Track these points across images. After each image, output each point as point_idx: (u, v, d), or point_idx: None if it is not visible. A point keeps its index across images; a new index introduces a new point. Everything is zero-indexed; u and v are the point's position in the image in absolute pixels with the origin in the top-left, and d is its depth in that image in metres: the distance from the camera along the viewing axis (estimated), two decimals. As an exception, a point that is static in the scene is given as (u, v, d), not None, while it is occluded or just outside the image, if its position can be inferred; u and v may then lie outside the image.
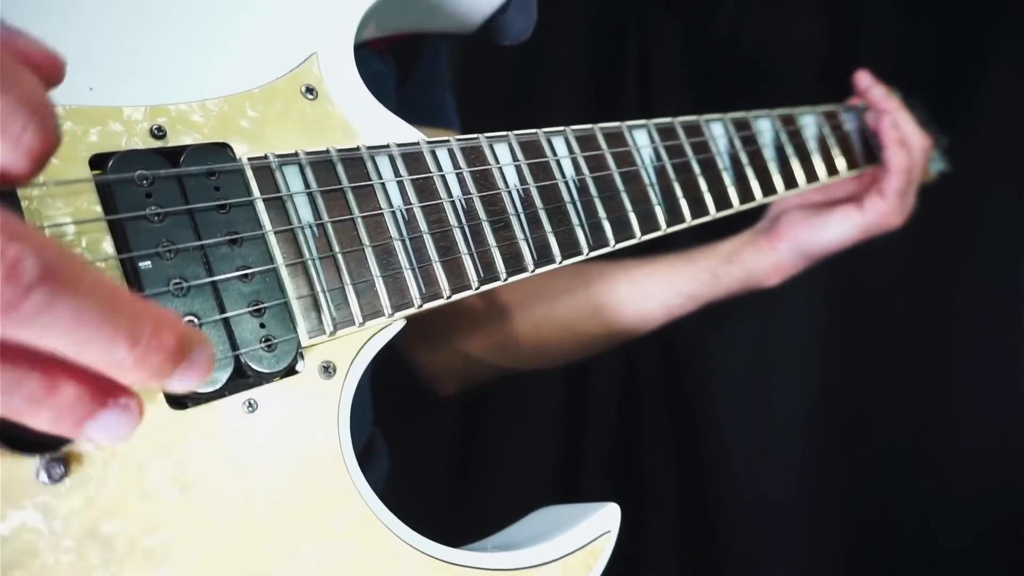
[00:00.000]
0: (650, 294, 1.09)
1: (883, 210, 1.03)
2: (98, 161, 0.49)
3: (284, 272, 0.54)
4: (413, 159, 0.62)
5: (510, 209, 0.66)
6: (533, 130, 0.69)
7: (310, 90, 0.60)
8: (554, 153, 0.70)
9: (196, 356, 0.37)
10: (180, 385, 0.37)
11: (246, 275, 0.52)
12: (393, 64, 0.82)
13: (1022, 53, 1.64)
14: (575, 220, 0.69)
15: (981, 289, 1.72)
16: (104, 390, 0.36)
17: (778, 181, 0.90)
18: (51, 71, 0.38)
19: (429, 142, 0.63)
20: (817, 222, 1.05)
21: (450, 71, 0.97)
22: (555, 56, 1.69)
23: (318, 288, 0.55)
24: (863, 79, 1.10)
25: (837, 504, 1.77)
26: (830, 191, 1.08)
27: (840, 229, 1.04)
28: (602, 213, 0.71)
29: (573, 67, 1.72)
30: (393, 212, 0.59)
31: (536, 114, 1.69)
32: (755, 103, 0.93)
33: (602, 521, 0.67)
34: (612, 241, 0.71)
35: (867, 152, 1.06)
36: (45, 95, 0.35)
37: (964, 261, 1.72)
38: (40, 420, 0.35)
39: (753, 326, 1.75)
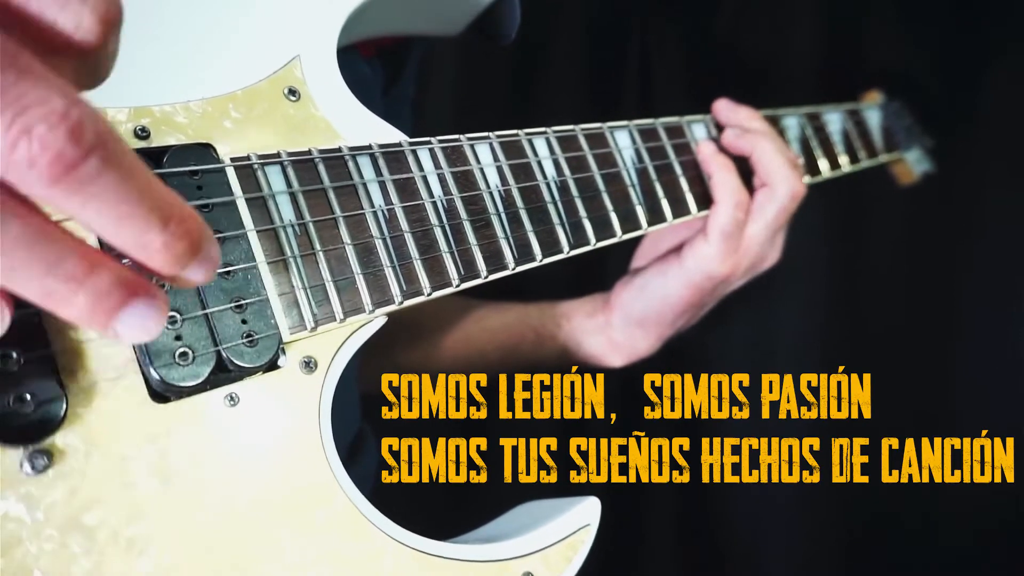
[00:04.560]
0: (470, 338, 1.00)
1: (704, 254, 0.83)
2: (83, 161, 0.51)
3: (266, 269, 0.55)
4: (395, 159, 0.63)
5: (491, 209, 0.67)
6: (515, 131, 0.71)
7: (293, 92, 0.61)
8: (535, 154, 0.71)
9: (210, 249, 0.38)
10: (196, 274, 0.38)
11: (228, 272, 0.54)
12: (380, 68, 0.83)
13: (1022, 54, 1.65)
14: (555, 219, 0.70)
15: (981, 289, 1.73)
16: (134, 283, 0.35)
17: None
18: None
19: (411, 143, 0.65)
20: (639, 282, 0.90)
21: (414, 85, 0.94)
22: (555, 57, 1.70)
23: (299, 285, 0.56)
24: (720, 110, 0.90)
25: (837, 504, 1.78)
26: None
27: (659, 284, 0.87)
28: (583, 212, 0.72)
29: (573, 68, 1.73)
30: (375, 212, 0.61)
31: (535, 115, 1.70)
32: (755, 104, 0.95)
33: (582, 514, 0.68)
34: (593, 240, 0.73)
35: (851, 152, 1.07)
36: None
37: (964, 261, 1.73)
38: (75, 306, 0.34)
39: (752, 326, 1.76)
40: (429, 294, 0.62)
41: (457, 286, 0.64)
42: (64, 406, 0.46)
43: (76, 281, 0.34)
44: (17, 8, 0.34)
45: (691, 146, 0.84)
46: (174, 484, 0.50)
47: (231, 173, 0.55)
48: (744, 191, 0.84)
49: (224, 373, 0.53)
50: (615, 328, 0.93)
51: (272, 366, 0.55)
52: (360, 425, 0.86)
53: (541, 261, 0.69)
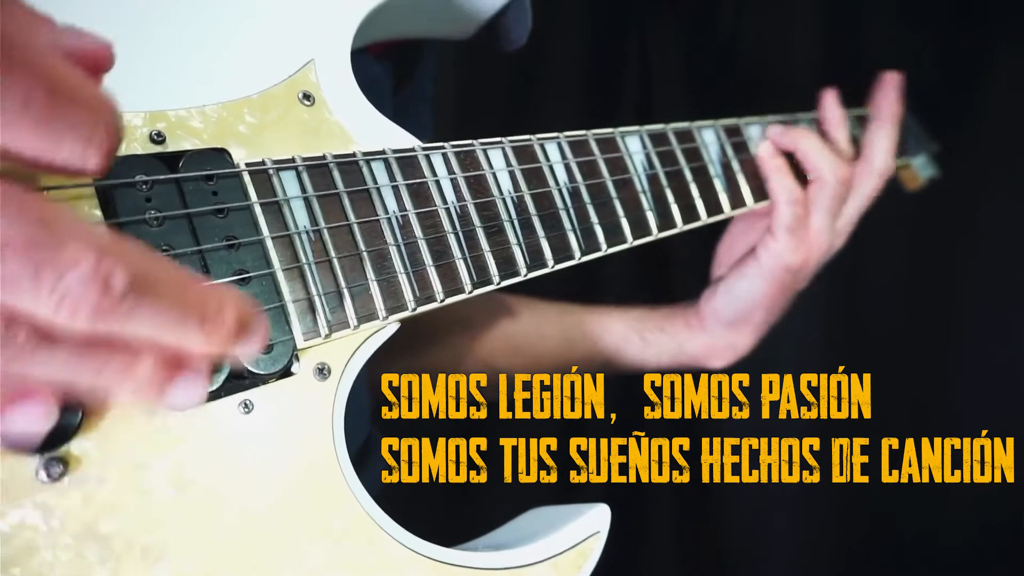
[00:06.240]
0: (574, 341, 1.04)
1: (776, 250, 0.91)
2: (98, 166, 0.50)
3: (281, 276, 0.55)
4: (408, 164, 0.63)
5: (504, 215, 0.67)
6: (527, 136, 0.70)
7: (307, 96, 0.61)
8: (547, 159, 0.71)
9: (254, 329, 0.40)
10: (241, 353, 0.41)
11: (243, 278, 0.53)
12: (391, 69, 0.83)
13: (1022, 56, 1.65)
14: (567, 225, 0.70)
15: (981, 289, 1.73)
16: (177, 361, 0.39)
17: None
18: (102, 62, 0.39)
19: (424, 148, 0.64)
20: (724, 287, 0.97)
21: (434, 86, 0.95)
22: (555, 59, 1.70)
23: (314, 291, 0.56)
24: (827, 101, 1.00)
25: (837, 504, 1.78)
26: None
27: (744, 285, 0.95)
28: (594, 219, 0.72)
29: (573, 70, 1.73)
30: (388, 218, 0.60)
31: (535, 117, 1.69)
32: (755, 106, 0.95)
33: (592, 522, 0.68)
34: (604, 246, 0.72)
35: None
36: (102, 94, 0.37)
37: (964, 261, 1.73)
38: (126, 391, 0.38)
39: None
40: (442, 300, 0.62)
41: (469, 293, 0.64)
42: (80, 413, 0.46)
43: (121, 375, 0.38)
44: (16, 155, 0.34)
45: (701, 151, 0.84)
46: (189, 491, 0.50)
47: (247, 178, 0.55)
48: (798, 188, 0.90)
49: (239, 380, 0.53)
50: (711, 334, 1.01)
51: (286, 373, 0.55)
52: (369, 431, 0.86)
53: (553, 267, 0.69)
